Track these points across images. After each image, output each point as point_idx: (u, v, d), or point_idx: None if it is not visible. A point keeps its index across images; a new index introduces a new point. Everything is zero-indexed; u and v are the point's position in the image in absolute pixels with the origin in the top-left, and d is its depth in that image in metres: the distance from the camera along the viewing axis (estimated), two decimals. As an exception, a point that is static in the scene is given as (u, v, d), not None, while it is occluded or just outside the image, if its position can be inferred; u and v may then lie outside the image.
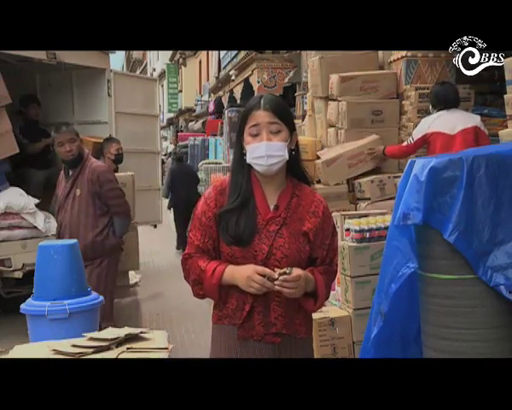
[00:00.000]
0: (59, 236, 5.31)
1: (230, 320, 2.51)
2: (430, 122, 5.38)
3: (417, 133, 5.46)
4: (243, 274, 2.40)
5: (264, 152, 2.43)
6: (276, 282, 2.36)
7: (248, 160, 2.48)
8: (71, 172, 5.25)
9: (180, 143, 21.89)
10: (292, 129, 2.52)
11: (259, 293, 2.40)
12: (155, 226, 12.64)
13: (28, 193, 6.70)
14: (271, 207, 2.50)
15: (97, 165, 5.32)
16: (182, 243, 11.51)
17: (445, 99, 5.40)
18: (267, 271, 2.38)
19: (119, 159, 7.04)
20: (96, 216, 5.17)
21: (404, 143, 5.69)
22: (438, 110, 5.43)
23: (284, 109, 2.52)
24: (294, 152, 2.54)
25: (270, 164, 2.44)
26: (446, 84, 5.61)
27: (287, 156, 2.48)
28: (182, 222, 11.64)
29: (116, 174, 6.41)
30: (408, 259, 2.96)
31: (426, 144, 5.44)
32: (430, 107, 5.58)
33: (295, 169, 2.57)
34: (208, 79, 25.83)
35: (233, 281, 2.44)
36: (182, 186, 11.86)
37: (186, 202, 11.22)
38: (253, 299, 2.45)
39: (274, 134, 2.45)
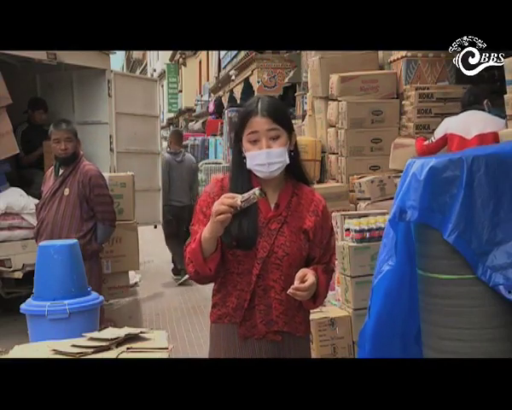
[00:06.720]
0: (38, 233, 5.15)
1: (231, 319, 2.50)
2: (448, 122, 5.29)
3: (439, 133, 5.34)
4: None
5: (265, 160, 2.43)
6: (289, 290, 2.37)
7: (249, 166, 2.47)
8: (61, 171, 5.14)
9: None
10: (290, 130, 2.51)
11: (227, 214, 2.31)
12: (155, 227, 12.84)
13: (29, 193, 6.70)
14: (272, 205, 2.51)
15: (90, 168, 5.20)
16: None
17: (461, 100, 5.34)
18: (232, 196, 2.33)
19: None
20: (81, 219, 5.06)
21: (426, 142, 5.49)
22: (461, 112, 5.36)
23: (282, 112, 2.51)
24: (293, 153, 2.53)
25: (272, 171, 2.45)
26: (471, 85, 5.49)
27: (287, 160, 2.47)
28: None
29: (116, 174, 6.42)
30: (389, 256, 2.97)
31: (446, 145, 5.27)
32: None
33: (295, 170, 2.56)
34: (208, 79, 25.82)
35: (210, 230, 2.37)
36: None
37: None
38: (255, 297, 2.45)
39: (273, 140, 2.44)
